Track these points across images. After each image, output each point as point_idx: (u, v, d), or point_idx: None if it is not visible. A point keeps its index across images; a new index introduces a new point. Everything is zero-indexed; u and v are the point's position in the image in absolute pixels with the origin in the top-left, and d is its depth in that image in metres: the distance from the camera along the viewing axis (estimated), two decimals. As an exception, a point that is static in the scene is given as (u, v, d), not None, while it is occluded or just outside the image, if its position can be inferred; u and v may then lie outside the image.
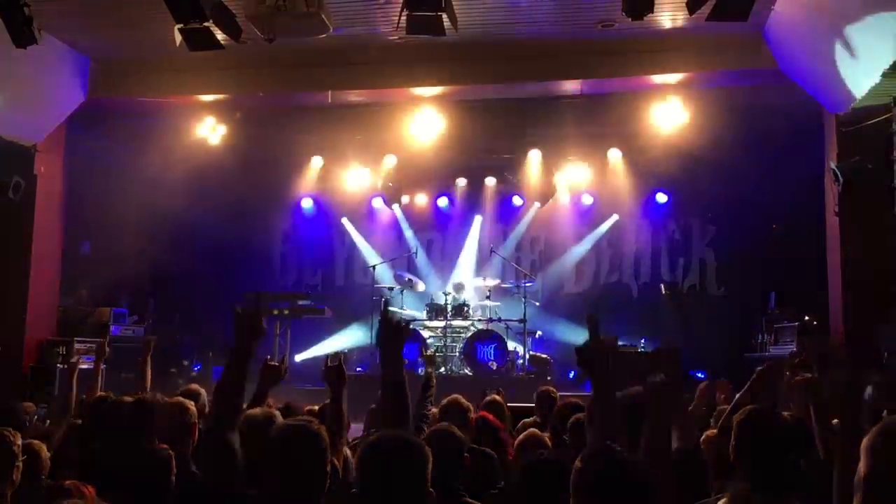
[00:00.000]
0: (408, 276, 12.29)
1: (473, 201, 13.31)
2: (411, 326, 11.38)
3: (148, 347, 5.54)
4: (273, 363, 3.92)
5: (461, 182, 13.23)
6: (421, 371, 11.07)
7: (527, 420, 5.46)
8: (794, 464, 2.73)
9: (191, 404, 4.11)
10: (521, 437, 4.18)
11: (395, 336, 2.97)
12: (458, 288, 12.11)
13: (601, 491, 2.13)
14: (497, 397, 5.62)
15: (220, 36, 7.27)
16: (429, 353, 8.84)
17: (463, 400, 4.51)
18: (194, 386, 4.98)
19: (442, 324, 11.51)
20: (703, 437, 3.67)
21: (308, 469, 2.55)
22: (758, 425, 2.82)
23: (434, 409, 4.52)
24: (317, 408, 4.50)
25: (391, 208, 13.39)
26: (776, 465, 2.70)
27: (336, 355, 3.89)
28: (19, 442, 3.29)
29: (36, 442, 3.77)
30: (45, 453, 3.74)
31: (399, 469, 2.33)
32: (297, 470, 2.54)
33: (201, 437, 3.83)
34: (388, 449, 2.37)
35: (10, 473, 3.02)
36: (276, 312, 10.89)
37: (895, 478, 2.03)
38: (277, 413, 3.51)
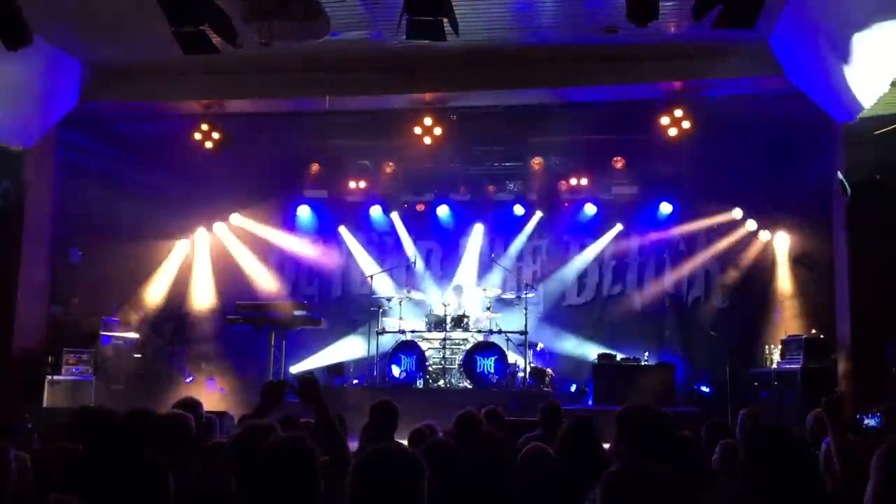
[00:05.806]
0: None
1: (474, 210, 13.13)
2: (409, 339, 11.24)
3: None
4: (275, 382, 3.94)
5: (462, 190, 13.07)
6: (419, 383, 10.89)
7: (529, 434, 5.42)
8: (791, 482, 2.76)
9: (188, 416, 4.06)
10: (525, 449, 4.09)
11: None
12: (458, 291, 11.92)
13: None
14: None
15: (215, 39, 7.12)
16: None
17: (476, 413, 4.58)
18: (191, 397, 4.91)
19: (441, 335, 11.32)
20: None
21: (299, 485, 2.58)
22: (762, 441, 2.92)
23: None
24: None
25: (390, 217, 13.23)
26: (772, 478, 2.75)
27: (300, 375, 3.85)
28: (10, 455, 3.22)
29: (21, 454, 3.64)
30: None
31: (393, 483, 2.29)
32: (288, 486, 2.57)
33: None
34: (382, 462, 2.32)
35: (2, 488, 2.96)
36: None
37: None
38: (277, 426, 3.42)
